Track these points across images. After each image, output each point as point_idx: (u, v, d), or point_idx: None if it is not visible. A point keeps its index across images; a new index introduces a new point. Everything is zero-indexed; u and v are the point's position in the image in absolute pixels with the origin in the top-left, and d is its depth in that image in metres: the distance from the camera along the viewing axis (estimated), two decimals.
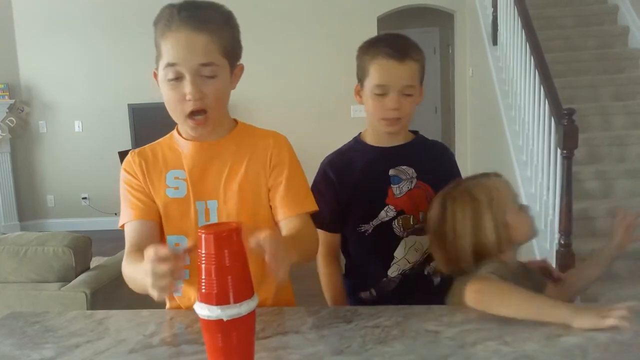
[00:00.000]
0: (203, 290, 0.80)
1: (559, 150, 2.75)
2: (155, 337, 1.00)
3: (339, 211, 1.38)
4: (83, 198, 6.01)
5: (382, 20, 5.64)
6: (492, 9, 4.40)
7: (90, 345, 0.99)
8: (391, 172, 1.37)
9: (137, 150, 1.22)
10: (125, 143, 5.64)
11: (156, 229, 1.17)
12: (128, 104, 5.64)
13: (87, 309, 2.04)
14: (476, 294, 1.04)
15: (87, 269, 2.24)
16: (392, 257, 1.38)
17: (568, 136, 2.66)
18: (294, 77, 5.68)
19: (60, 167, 6.00)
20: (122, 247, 1.16)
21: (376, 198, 1.36)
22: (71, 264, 2.14)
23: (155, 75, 1.13)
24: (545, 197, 3.05)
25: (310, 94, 5.65)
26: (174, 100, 1.09)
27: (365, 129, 1.45)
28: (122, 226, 1.18)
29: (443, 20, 6.48)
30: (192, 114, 1.08)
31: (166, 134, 1.24)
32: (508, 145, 3.77)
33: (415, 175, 1.37)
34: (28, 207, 6.07)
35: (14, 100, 5.70)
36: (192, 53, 1.05)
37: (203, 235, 0.79)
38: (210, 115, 1.10)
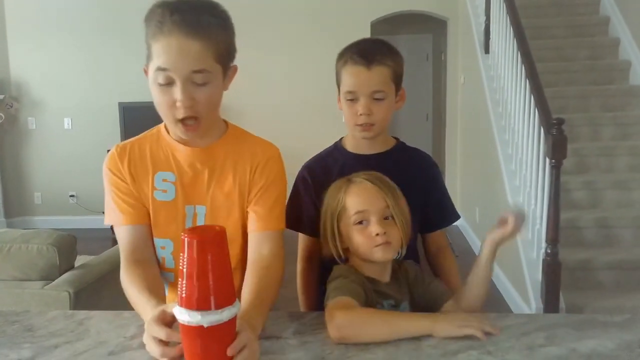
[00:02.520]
0: (183, 295, 0.78)
1: (547, 160, 2.77)
2: (136, 340, 0.98)
3: (317, 215, 1.36)
4: (71, 196, 5.96)
5: (375, 26, 5.65)
6: (485, 18, 4.43)
7: (69, 346, 0.97)
8: None
9: (121, 145, 1.18)
10: (115, 141, 5.53)
11: (148, 232, 1.17)
12: (118, 103, 5.61)
13: (70, 309, 2.02)
14: (339, 330, 0.96)
15: (72, 267, 2.22)
16: None
17: (557, 146, 2.68)
18: (287, 81, 5.68)
19: (48, 164, 5.95)
20: (108, 246, 1.15)
21: None
22: (55, 263, 2.12)
23: (146, 72, 1.08)
24: (533, 206, 3.06)
25: (303, 98, 5.65)
26: (165, 105, 1.05)
27: (347, 134, 1.45)
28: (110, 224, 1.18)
29: (436, 27, 6.51)
30: (183, 120, 1.05)
31: None
32: (497, 153, 3.79)
33: None
34: (15, 203, 6.01)
35: (3, 96, 5.65)
36: (184, 59, 1.00)
37: (186, 239, 0.78)
38: (201, 121, 1.07)
